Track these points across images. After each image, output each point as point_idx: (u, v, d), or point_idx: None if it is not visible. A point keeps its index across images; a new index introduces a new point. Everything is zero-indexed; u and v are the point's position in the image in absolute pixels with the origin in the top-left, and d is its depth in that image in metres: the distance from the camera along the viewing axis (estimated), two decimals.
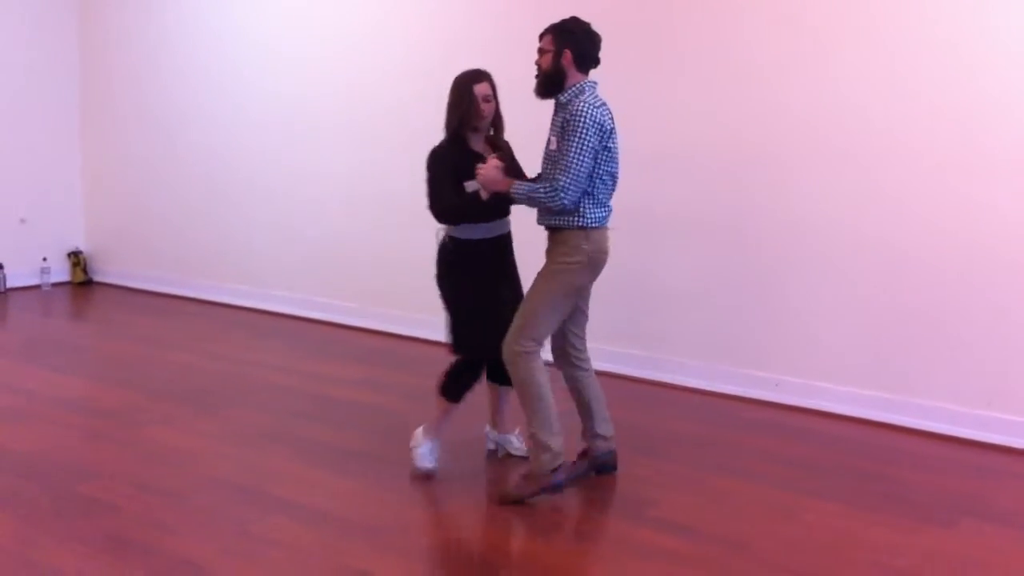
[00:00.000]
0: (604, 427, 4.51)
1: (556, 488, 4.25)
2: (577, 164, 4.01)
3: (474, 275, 4.37)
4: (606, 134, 4.10)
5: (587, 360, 4.49)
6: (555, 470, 4.23)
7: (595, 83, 4.21)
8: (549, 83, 4.16)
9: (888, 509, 4.26)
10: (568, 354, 4.46)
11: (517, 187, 4.14)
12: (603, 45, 4.23)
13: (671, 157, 5.95)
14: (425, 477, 4.46)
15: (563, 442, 4.26)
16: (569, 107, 4.09)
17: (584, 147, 4.01)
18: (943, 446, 5.10)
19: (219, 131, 8.19)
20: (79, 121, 9.14)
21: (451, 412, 4.51)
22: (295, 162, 7.70)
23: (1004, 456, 4.97)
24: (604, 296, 6.13)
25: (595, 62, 4.22)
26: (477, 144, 4.39)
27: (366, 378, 6.10)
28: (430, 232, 4.46)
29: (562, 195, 4.03)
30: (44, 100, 8.87)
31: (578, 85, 4.14)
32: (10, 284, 8.68)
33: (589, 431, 4.51)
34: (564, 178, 4.02)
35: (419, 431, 4.57)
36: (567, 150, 4.02)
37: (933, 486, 4.56)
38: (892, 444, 5.12)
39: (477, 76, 4.33)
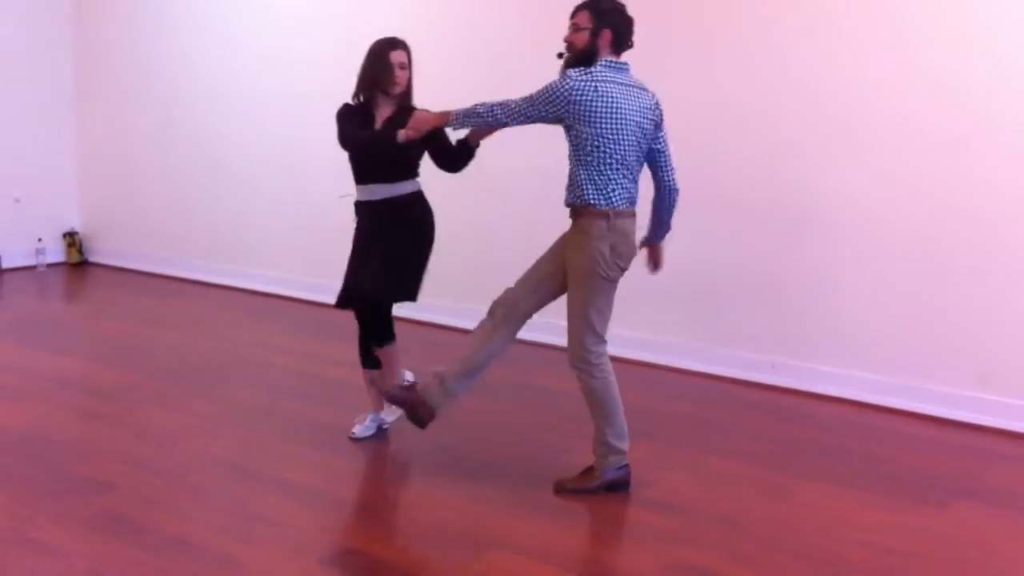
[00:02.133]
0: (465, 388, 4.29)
1: (616, 484, 4.18)
2: (526, 103, 3.96)
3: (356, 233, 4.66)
4: (574, 108, 3.90)
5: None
6: (621, 467, 4.19)
7: (620, 64, 4.02)
8: (581, 62, 3.98)
9: (881, 490, 4.28)
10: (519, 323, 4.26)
11: (454, 109, 4.13)
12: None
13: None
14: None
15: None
16: None
17: (534, 99, 3.95)
18: (936, 428, 5.11)
19: (215, 111, 8.16)
20: (74, 101, 9.10)
21: (367, 378, 4.75)
22: (292, 142, 7.68)
23: (996, 438, 4.99)
24: None
25: (629, 45, 4.07)
26: (384, 109, 4.51)
27: (358, 358, 6.09)
28: None
29: (499, 108, 4.00)
30: (39, 79, 8.82)
31: (603, 61, 3.98)
32: (5, 265, 8.66)
33: (464, 388, 4.30)
34: (509, 101, 4.00)
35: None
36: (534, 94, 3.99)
37: (926, 467, 4.58)
38: (885, 425, 5.14)
39: (393, 43, 4.48)
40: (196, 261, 8.41)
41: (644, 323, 6.12)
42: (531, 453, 4.60)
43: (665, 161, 4.22)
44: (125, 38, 8.70)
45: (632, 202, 4.11)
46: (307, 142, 7.58)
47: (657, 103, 4.11)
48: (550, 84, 3.95)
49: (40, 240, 8.85)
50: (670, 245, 5.95)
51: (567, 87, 3.92)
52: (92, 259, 9.17)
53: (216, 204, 8.26)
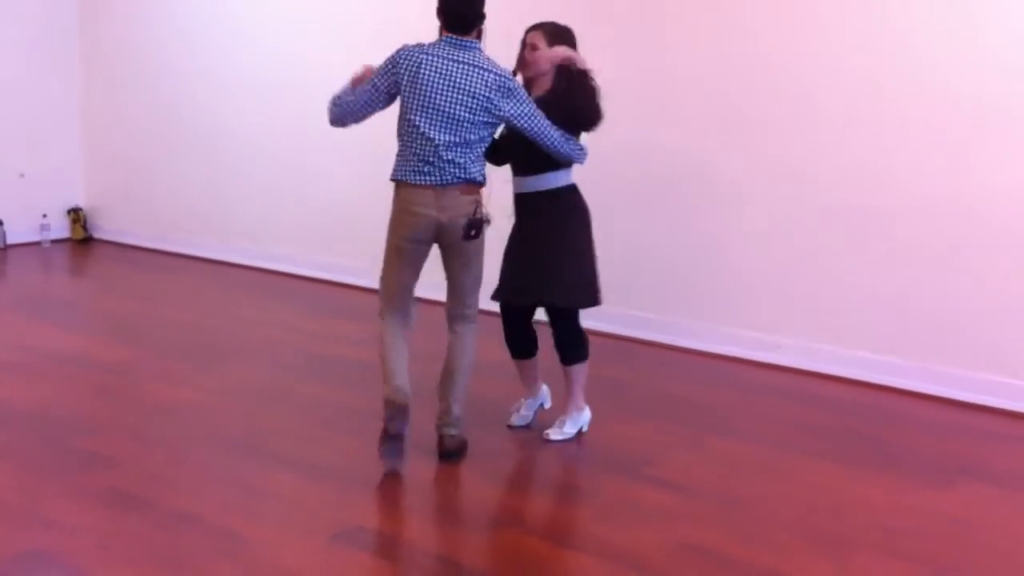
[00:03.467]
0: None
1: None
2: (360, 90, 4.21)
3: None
4: (399, 77, 4.07)
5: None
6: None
7: (469, 43, 4.11)
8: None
9: (886, 470, 4.28)
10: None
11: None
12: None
13: (668, 112, 5.92)
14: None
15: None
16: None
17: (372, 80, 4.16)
18: (941, 409, 5.11)
19: (220, 87, 8.13)
20: (79, 78, 9.06)
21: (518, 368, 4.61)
22: (297, 119, 7.64)
23: (1002, 419, 4.98)
24: (605, 257, 6.14)
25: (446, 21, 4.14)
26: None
27: (368, 337, 6.04)
28: None
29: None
30: (44, 55, 8.78)
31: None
32: (10, 241, 8.65)
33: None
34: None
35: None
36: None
37: (931, 448, 4.58)
38: (891, 406, 5.14)
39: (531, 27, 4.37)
40: (201, 238, 8.39)
41: (648, 302, 6.11)
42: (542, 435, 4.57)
43: (535, 134, 4.15)
44: (132, 15, 8.66)
45: (420, 174, 4.12)
46: (313, 119, 7.52)
47: (499, 81, 4.06)
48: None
49: (45, 216, 8.84)
50: (668, 226, 5.97)
51: (401, 54, 4.10)
52: (96, 236, 9.16)
53: (221, 181, 8.23)
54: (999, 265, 5.04)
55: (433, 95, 4.04)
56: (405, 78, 4.07)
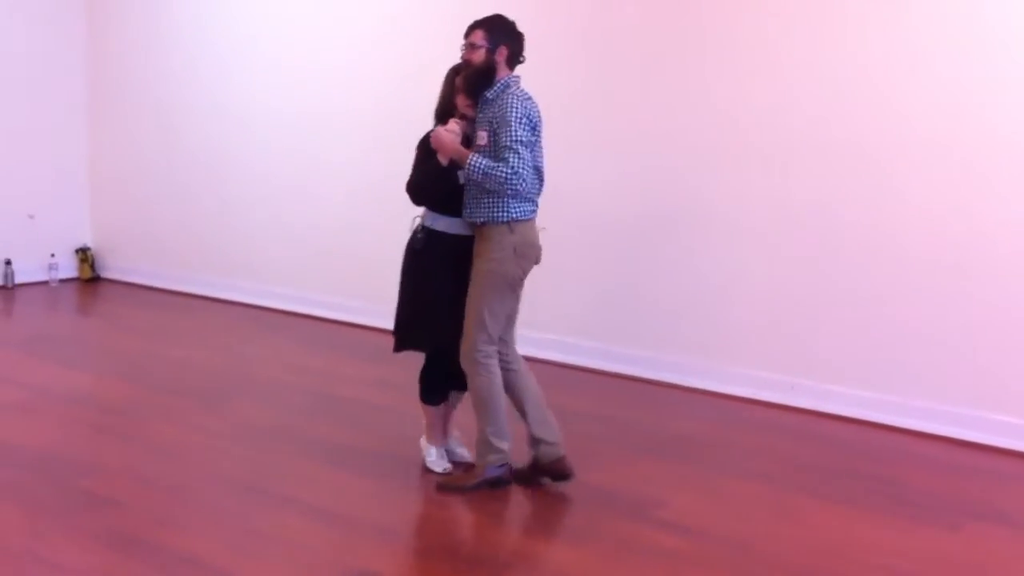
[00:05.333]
0: (541, 430, 4.37)
1: (497, 481, 4.30)
2: (523, 152, 4.05)
3: (436, 267, 4.36)
4: (534, 127, 4.15)
5: (516, 360, 4.42)
6: (501, 466, 4.32)
7: (519, 77, 4.25)
8: (481, 79, 4.19)
9: (894, 512, 4.25)
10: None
11: (474, 159, 4.09)
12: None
13: (676, 149, 5.95)
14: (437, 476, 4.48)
15: (511, 447, 4.34)
16: (498, 102, 4.14)
17: (520, 139, 4.05)
18: (951, 449, 5.08)
19: (226, 128, 8.18)
20: (87, 117, 9.13)
21: (437, 414, 4.54)
22: (303, 158, 7.69)
23: (1010, 459, 4.95)
24: (611, 297, 6.15)
25: (521, 59, 4.27)
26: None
27: (373, 376, 6.10)
28: None
29: (516, 180, 4.02)
30: (51, 96, 8.85)
31: (504, 80, 4.19)
32: (18, 280, 8.68)
33: (528, 436, 4.43)
34: (516, 162, 4.02)
35: (422, 440, 4.64)
36: (505, 143, 4.05)
37: (939, 489, 4.55)
38: (898, 447, 5.11)
39: (459, 68, 4.37)
40: (207, 277, 8.41)
41: (655, 342, 6.10)
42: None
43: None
44: (137, 57, 8.73)
45: (533, 209, 4.28)
46: (319, 159, 7.60)
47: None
48: (512, 114, 4.06)
49: (53, 256, 8.87)
50: (679, 262, 5.98)
51: (526, 107, 4.12)
52: (104, 275, 9.18)
53: (228, 220, 8.27)
54: (1009, 305, 5.03)
55: (540, 134, 4.23)
56: (538, 124, 4.20)
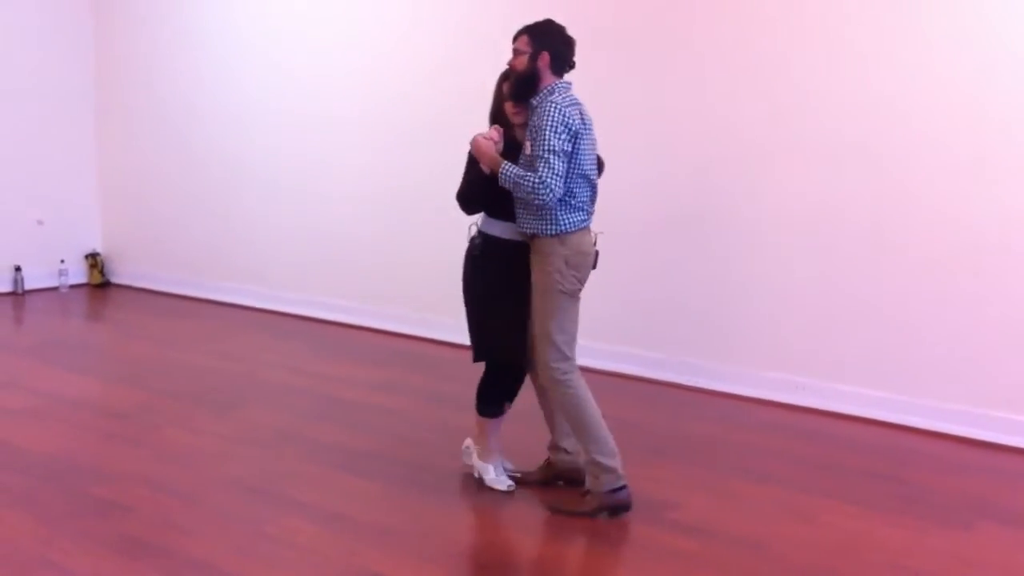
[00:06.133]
0: (567, 441, 4.38)
1: (616, 509, 4.13)
2: (554, 162, 3.91)
3: (494, 276, 4.25)
4: (575, 135, 3.99)
5: None
6: (618, 489, 4.13)
7: (569, 84, 4.12)
8: (524, 85, 4.08)
9: (904, 511, 4.24)
10: (532, 363, 4.31)
11: (507, 167, 4.01)
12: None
13: (687, 151, 5.94)
14: (466, 484, 4.44)
15: (622, 463, 4.17)
16: (538, 109, 4.02)
17: (553, 148, 3.92)
18: (960, 448, 5.06)
19: (235, 132, 8.20)
20: (95, 124, 9.17)
21: (492, 428, 4.40)
22: (311, 162, 7.71)
23: (1021, 458, 4.93)
24: (620, 298, 6.14)
25: (570, 65, 4.14)
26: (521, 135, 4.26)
27: (382, 380, 6.10)
28: (447, 231, 4.41)
29: (543, 190, 3.89)
30: (60, 103, 8.89)
31: (549, 87, 4.06)
32: (28, 286, 8.72)
33: (552, 442, 4.42)
34: (545, 173, 3.91)
35: (475, 459, 4.48)
36: (539, 151, 3.93)
37: (950, 488, 4.53)
38: (909, 446, 5.10)
39: (507, 74, 4.24)
40: (216, 282, 8.44)
41: (667, 344, 6.10)
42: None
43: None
44: (145, 62, 8.77)
45: (588, 218, 4.19)
46: (327, 164, 7.61)
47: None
48: (547, 121, 3.93)
49: (63, 262, 8.91)
50: (690, 264, 5.98)
51: (564, 114, 3.95)
52: (114, 280, 9.22)
53: (236, 225, 8.29)
54: (1019, 303, 5.01)
55: (592, 139, 4.10)
56: (580, 132, 4.02)
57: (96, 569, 3.59)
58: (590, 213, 4.17)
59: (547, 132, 3.92)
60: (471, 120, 4.59)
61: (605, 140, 4.34)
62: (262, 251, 8.14)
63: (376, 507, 4.19)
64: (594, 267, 4.20)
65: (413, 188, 7.02)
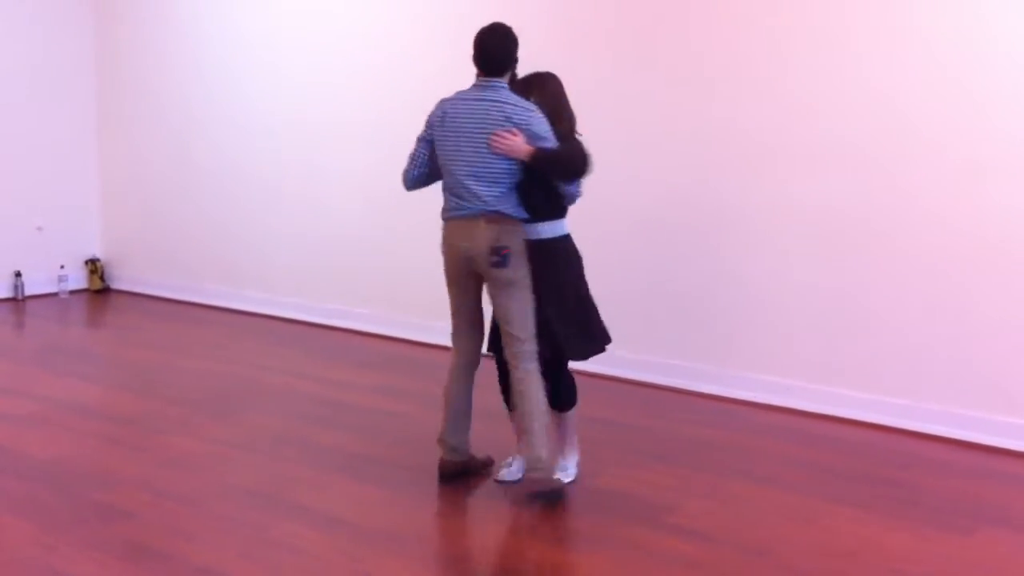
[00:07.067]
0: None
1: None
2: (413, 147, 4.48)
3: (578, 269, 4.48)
4: (428, 125, 4.39)
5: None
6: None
7: (480, 81, 4.33)
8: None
9: (907, 515, 4.24)
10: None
11: (544, 147, 4.21)
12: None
13: (687, 154, 5.95)
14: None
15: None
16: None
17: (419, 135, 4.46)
18: (960, 452, 5.06)
19: (235, 137, 8.20)
20: (95, 129, 9.17)
21: (512, 420, 4.50)
22: (312, 167, 7.71)
23: (1022, 462, 4.93)
24: (618, 302, 6.13)
25: (476, 65, 4.35)
26: None
27: (382, 384, 6.10)
28: None
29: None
30: (60, 107, 8.90)
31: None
32: (28, 292, 8.71)
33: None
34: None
35: (561, 464, 4.47)
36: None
37: (952, 492, 4.54)
38: (911, 450, 5.09)
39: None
40: (217, 287, 8.44)
41: (666, 347, 6.09)
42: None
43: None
44: (146, 67, 8.77)
45: (453, 209, 4.36)
46: (328, 169, 7.61)
47: (517, 112, 4.20)
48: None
49: (62, 267, 8.91)
50: (690, 267, 5.97)
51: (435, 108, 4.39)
52: (114, 286, 9.22)
53: (236, 230, 8.29)
54: (1018, 307, 5.01)
55: (458, 132, 4.26)
56: (436, 123, 4.35)
57: (98, 575, 3.59)
58: (456, 204, 4.42)
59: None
60: None
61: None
62: (262, 256, 8.14)
63: (378, 512, 4.19)
64: (458, 263, 4.39)
65: (415, 193, 6.99)
